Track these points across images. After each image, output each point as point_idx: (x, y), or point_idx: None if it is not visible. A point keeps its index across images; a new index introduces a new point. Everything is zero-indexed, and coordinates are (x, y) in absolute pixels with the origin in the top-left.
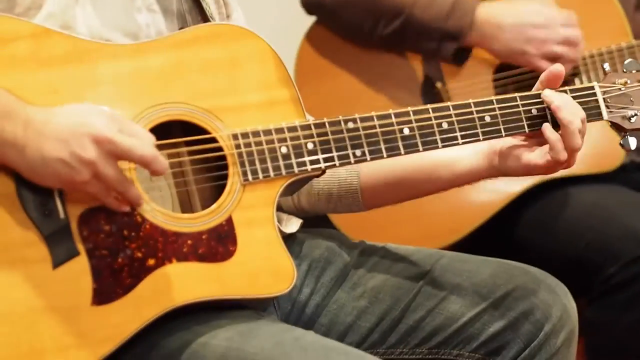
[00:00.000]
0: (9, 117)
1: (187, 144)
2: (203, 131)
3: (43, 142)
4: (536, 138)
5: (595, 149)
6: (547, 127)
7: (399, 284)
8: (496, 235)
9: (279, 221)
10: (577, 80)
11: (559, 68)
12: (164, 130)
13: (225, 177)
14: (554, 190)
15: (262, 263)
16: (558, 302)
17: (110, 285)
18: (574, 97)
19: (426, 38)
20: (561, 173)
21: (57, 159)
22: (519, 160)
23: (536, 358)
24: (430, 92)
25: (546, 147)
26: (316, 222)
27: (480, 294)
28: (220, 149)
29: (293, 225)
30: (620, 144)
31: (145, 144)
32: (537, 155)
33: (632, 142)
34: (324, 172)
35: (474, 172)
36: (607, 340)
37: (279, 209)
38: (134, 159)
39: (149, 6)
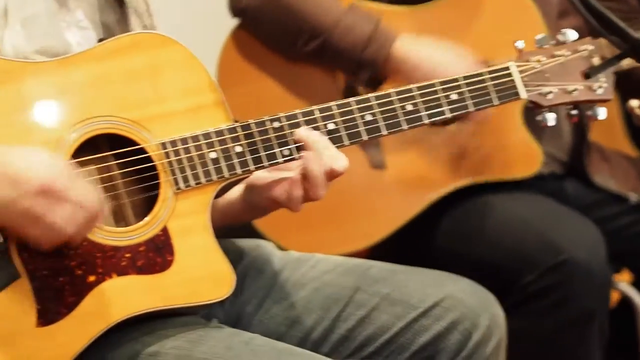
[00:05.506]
0: None
1: (117, 156)
2: (131, 143)
3: None
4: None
5: (511, 156)
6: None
7: (329, 293)
8: (415, 244)
9: None
10: None
11: None
12: (92, 145)
13: (157, 187)
14: (472, 198)
15: (200, 270)
16: (486, 311)
17: (53, 305)
18: (492, 79)
19: (342, 63)
20: (478, 179)
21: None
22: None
23: None
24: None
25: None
26: (241, 229)
27: (410, 304)
28: (149, 159)
29: None
30: (538, 120)
31: (96, 197)
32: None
33: (550, 118)
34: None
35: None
36: (525, 348)
37: None
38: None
39: (78, 23)
